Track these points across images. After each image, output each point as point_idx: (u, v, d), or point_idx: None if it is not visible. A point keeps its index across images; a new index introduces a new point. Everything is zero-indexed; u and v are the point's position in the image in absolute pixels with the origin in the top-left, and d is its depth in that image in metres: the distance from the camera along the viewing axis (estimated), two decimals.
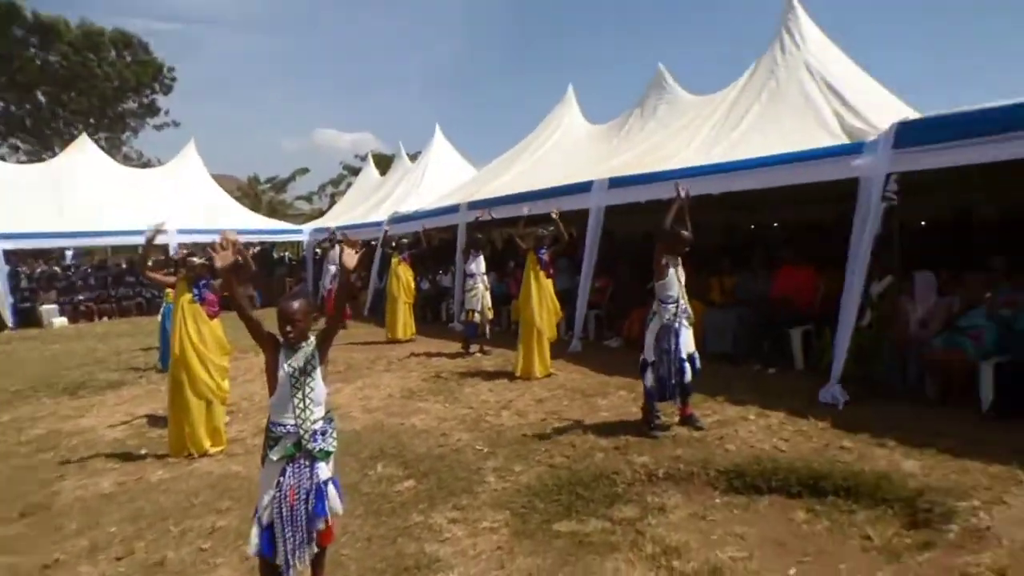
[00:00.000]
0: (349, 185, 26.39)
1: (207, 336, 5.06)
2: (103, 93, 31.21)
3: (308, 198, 36.62)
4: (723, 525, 3.46)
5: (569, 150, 11.13)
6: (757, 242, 9.00)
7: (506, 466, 4.43)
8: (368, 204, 17.13)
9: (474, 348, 8.72)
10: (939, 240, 7.45)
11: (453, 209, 11.42)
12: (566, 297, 8.92)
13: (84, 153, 17.92)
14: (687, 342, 4.83)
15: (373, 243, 13.81)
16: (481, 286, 8.59)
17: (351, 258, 2.78)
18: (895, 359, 5.36)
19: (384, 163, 22.22)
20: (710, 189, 6.52)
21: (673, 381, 4.73)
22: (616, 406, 5.74)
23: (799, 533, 3.33)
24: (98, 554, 3.53)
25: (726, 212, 11.10)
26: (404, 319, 10.10)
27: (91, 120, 30.66)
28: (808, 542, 3.23)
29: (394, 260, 10.22)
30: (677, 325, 4.79)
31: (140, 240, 17.38)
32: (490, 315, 8.81)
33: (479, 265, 8.60)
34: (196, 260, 5.21)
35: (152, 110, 34.07)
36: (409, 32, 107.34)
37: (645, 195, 7.33)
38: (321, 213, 25.66)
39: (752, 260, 7.34)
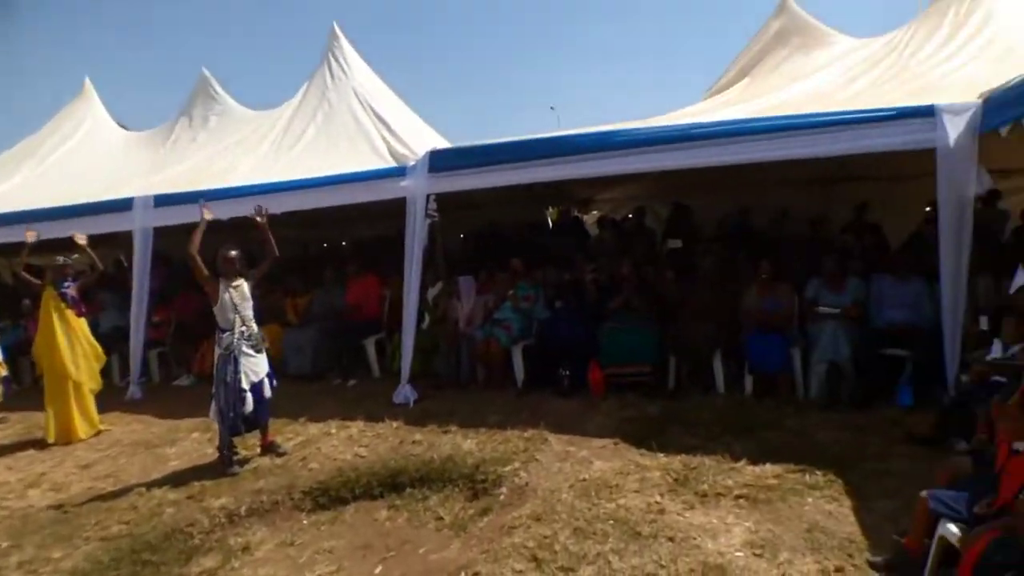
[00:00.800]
0: None
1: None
2: None
3: None
4: (311, 545, 3.45)
5: (98, 159, 9.29)
6: (327, 258, 9.26)
7: (39, 556, 3.54)
8: None
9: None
10: (476, 249, 8.92)
11: None
12: (117, 336, 7.63)
13: None
14: (251, 370, 4.59)
15: None
16: None
17: None
18: (451, 354, 6.21)
19: None
20: (270, 208, 6.39)
21: (232, 413, 4.47)
22: (188, 452, 5.15)
23: (383, 531, 3.55)
24: None
25: (297, 229, 11.15)
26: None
27: None
28: (391, 537, 3.46)
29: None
30: (236, 353, 4.53)
31: None
32: (3, 371, 6.85)
33: None
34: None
35: None
36: None
37: (194, 215, 6.68)
38: None
39: (324, 276, 7.49)
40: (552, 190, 10.28)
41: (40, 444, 5.65)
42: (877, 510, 3.27)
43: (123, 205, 7.12)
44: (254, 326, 4.70)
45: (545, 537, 3.23)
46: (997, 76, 4.12)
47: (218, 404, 4.50)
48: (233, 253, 4.67)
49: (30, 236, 5.85)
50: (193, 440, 5.43)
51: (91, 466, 5.02)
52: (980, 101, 3.99)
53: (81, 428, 5.72)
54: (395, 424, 5.21)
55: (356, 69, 8.20)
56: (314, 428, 5.32)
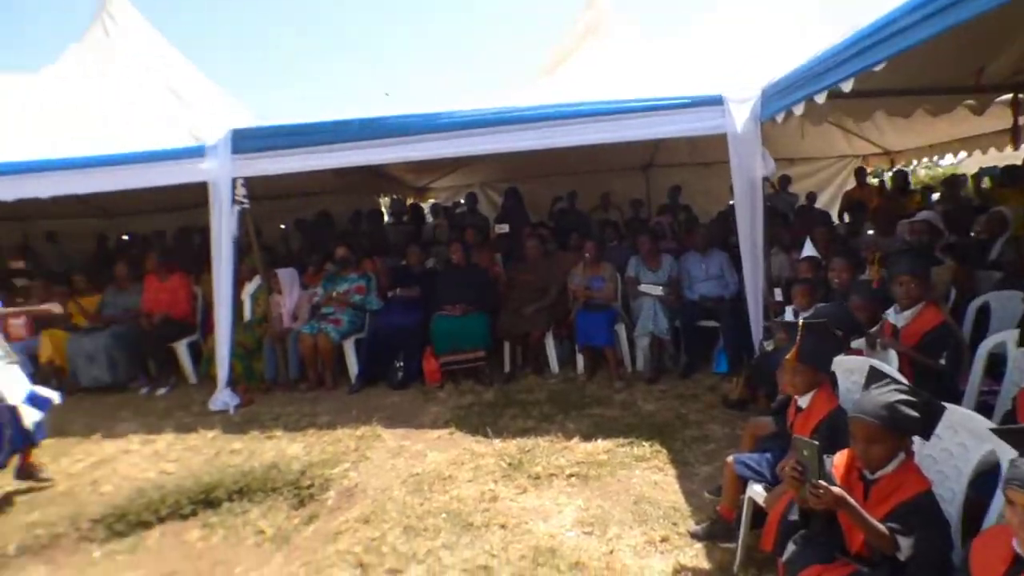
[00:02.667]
0: None
1: None
2: None
3: None
4: None
5: None
6: (125, 250, 8.20)
7: None
8: None
9: None
10: (306, 239, 8.39)
11: None
12: None
13: None
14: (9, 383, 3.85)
15: None
16: None
17: None
18: (276, 353, 5.74)
19: None
20: (35, 192, 5.40)
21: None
22: None
23: (192, 554, 3.17)
24: None
25: (93, 219, 9.79)
26: None
27: None
28: (203, 560, 3.10)
29: None
30: None
31: None
32: None
33: None
34: None
35: None
36: None
37: None
38: None
39: (117, 273, 6.50)
40: (387, 179, 10.02)
41: None
42: (699, 476, 3.51)
43: None
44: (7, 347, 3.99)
45: (373, 540, 3.08)
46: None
47: None
48: None
49: None
50: None
51: None
52: (759, 92, 4.41)
53: None
54: (211, 434, 4.71)
55: (138, 30, 7.23)
56: (110, 446, 4.64)
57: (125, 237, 9.47)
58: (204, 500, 3.63)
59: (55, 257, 9.08)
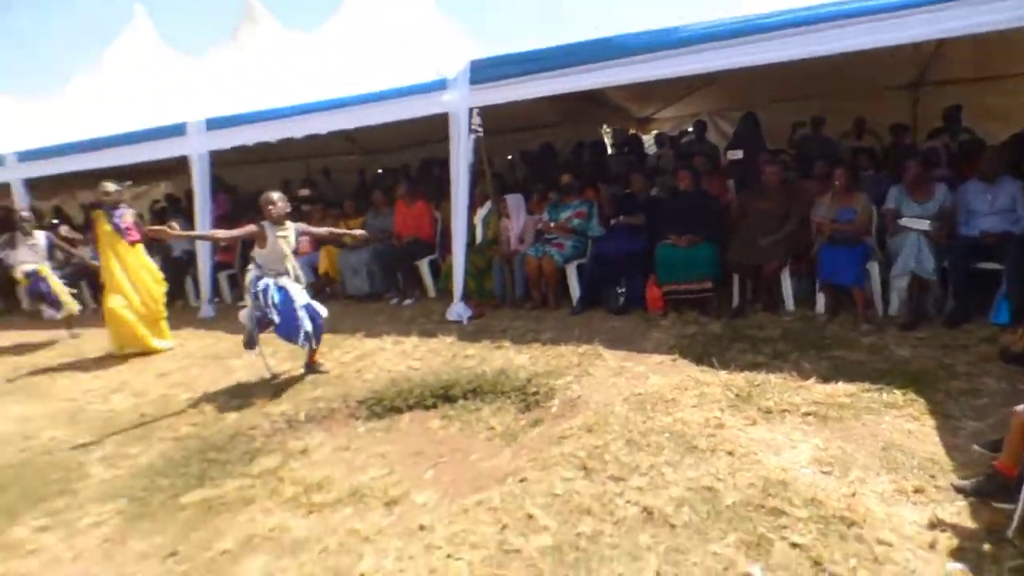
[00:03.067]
0: None
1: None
2: None
3: None
4: (366, 450, 3.51)
5: (151, 85, 9.38)
6: (378, 182, 9.24)
7: (119, 452, 3.76)
8: None
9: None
10: (531, 169, 8.69)
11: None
12: (189, 260, 7.96)
13: None
14: (296, 291, 4.53)
15: None
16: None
17: None
18: (503, 273, 6.12)
19: None
20: (314, 128, 6.34)
21: (259, 313, 4.50)
22: (253, 364, 5.32)
23: (435, 439, 3.57)
24: None
25: (356, 156, 11.24)
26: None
27: None
28: (443, 445, 3.48)
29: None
30: (275, 277, 4.49)
31: None
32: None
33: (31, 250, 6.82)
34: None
35: None
36: None
37: (251, 137, 6.73)
38: None
39: (375, 200, 7.44)
40: (609, 109, 9.86)
41: (123, 356, 5.97)
42: (964, 431, 3.03)
43: (176, 130, 7.19)
44: (300, 273, 4.66)
45: (596, 447, 3.17)
46: None
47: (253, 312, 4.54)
48: (276, 196, 4.50)
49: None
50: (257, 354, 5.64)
51: (167, 375, 5.29)
52: None
53: (142, 343, 5.90)
54: (448, 340, 5.22)
55: None
56: (370, 343, 5.40)
57: (379, 171, 10.67)
58: (443, 395, 4.05)
59: (329, 188, 10.61)
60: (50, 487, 3.40)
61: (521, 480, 2.92)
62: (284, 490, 3.07)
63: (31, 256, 6.76)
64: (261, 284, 4.41)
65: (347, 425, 3.89)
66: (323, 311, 4.67)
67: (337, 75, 6.88)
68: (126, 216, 5.81)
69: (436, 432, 3.67)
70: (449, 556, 2.39)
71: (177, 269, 7.91)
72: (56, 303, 6.71)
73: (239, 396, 4.48)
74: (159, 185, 12.65)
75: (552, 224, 5.97)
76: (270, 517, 2.83)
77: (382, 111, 5.89)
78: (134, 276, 5.86)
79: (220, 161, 7.57)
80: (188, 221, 8.05)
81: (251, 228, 4.49)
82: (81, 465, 3.63)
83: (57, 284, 6.73)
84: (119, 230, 5.75)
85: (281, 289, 4.42)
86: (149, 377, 5.30)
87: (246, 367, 5.26)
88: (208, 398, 4.52)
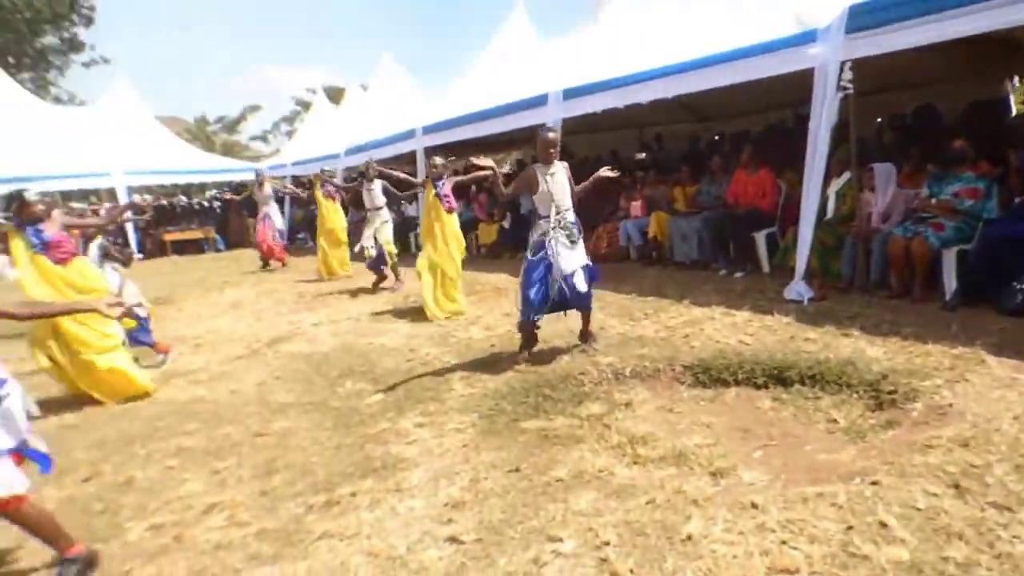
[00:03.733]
0: (303, 121, 25.37)
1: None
2: (16, 27, 27.90)
3: (264, 137, 35.41)
4: (689, 416, 3.48)
5: (521, 64, 10.59)
6: (716, 148, 8.87)
7: (474, 375, 4.40)
8: (323, 137, 16.47)
9: (389, 283, 8.24)
10: (902, 134, 7.38)
11: (409, 135, 11.02)
12: (530, 219, 8.83)
13: (5, 94, 16.27)
14: (568, 259, 4.31)
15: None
16: (378, 219, 8.10)
17: None
18: (857, 253, 5.38)
19: (337, 95, 21.30)
20: (663, 93, 6.34)
21: (535, 297, 4.32)
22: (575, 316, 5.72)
23: (765, 420, 3.36)
24: (64, 477, 3.46)
25: (690, 123, 11.02)
26: (333, 255, 9.75)
27: (10, 59, 27.65)
28: (774, 427, 3.26)
29: (319, 196, 9.74)
30: (551, 241, 4.30)
31: (83, 184, 16.32)
32: (394, 249, 8.23)
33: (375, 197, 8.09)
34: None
35: (75, 45, 30.58)
36: None
37: (599, 104, 7.08)
38: (278, 151, 24.70)
39: (712, 167, 7.20)
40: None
41: (477, 296, 6.94)
42: None
43: (539, 101, 8.00)
44: (571, 215, 4.39)
45: (973, 466, 2.60)
46: None
47: (523, 292, 4.40)
48: (552, 136, 4.36)
49: None
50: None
51: (511, 315, 5.92)
52: None
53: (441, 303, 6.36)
54: (785, 319, 4.82)
55: None
56: (697, 311, 5.30)
57: (716, 137, 10.29)
58: (776, 376, 3.77)
59: (661, 155, 10.66)
60: (426, 392, 4.16)
61: (872, 483, 2.56)
62: (610, 436, 3.22)
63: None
64: (540, 256, 4.32)
65: (671, 388, 3.91)
66: (580, 284, 4.37)
67: (687, 37, 6.74)
68: (447, 186, 6.43)
69: (766, 412, 3.46)
70: (784, 543, 2.22)
71: None
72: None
73: (570, 344, 4.82)
74: (511, 154, 14.31)
75: (934, 201, 5.01)
76: (597, 458, 3.00)
77: (736, 71, 5.59)
78: (448, 238, 6.33)
79: (563, 130, 8.19)
80: None
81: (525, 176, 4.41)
82: (447, 380, 4.35)
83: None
84: (439, 197, 6.38)
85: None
86: (498, 316, 6.07)
87: (576, 317, 5.65)
88: (545, 341, 4.96)
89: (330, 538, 2.59)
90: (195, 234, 16.82)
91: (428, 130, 10.41)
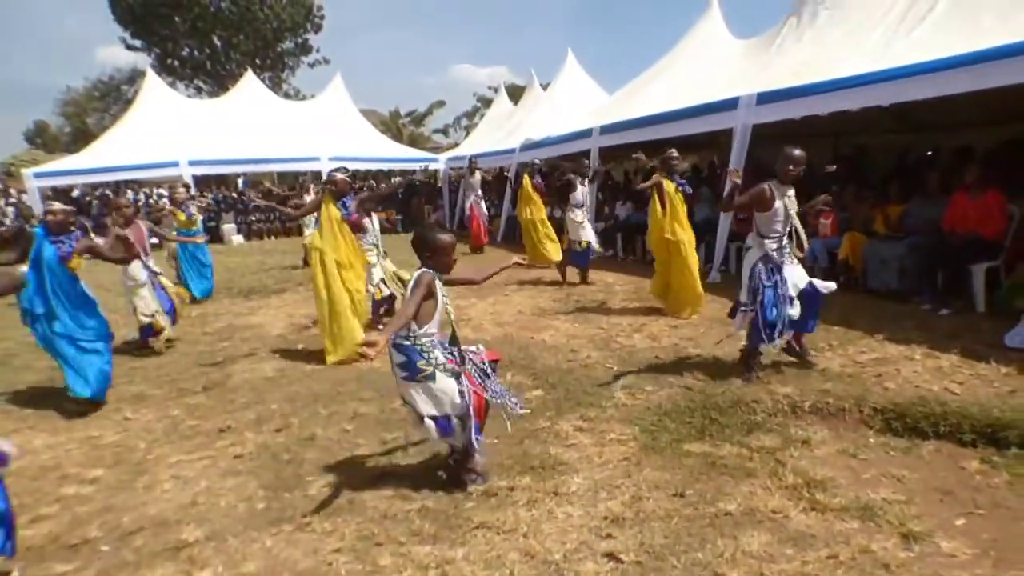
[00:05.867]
0: (483, 116, 26.51)
1: (347, 248, 5.42)
2: (264, 35, 33.39)
3: (444, 131, 37.63)
4: (877, 465, 3.14)
5: (712, 68, 10.15)
6: (934, 165, 7.81)
7: (636, 384, 4.32)
8: (500, 133, 17.08)
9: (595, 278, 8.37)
10: None
11: (585, 134, 11.06)
12: (706, 228, 8.47)
13: (251, 90, 19.62)
14: (793, 279, 4.18)
15: (505, 171, 14.04)
16: (580, 216, 8.10)
17: None
18: None
19: (517, 93, 21.91)
20: (879, 100, 5.79)
21: (769, 320, 4.10)
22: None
23: (971, 484, 2.94)
24: (261, 425, 4.02)
25: (899, 134, 9.82)
26: (541, 243, 9.99)
27: (256, 60, 32.92)
28: (981, 494, 2.84)
29: (526, 185, 10.01)
30: (780, 259, 4.18)
31: (298, 167, 18.75)
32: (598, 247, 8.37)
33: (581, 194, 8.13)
34: (338, 176, 5.58)
35: (305, 49, 35.88)
36: None
37: (799, 110, 6.60)
38: (456, 145, 26.07)
39: (926, 186, 6.35)
40: None
41: (645, 301, 6.85)
42: None
43: (728, 105, 7.64)
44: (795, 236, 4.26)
45: None
46: None
47: (748, 311, 4.26)
48: (799, 154, 4.10)
49: None
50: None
51: (679, 327, 5.83)
52: None
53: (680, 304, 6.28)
54: (1004, 369, 4.15)
55: None
56: (893, 349, 4.73)
57: (929, 152, 9.09)
58: (988, 435, 3.28)
59: (862, 168, 9.63)
60: (587, 396, 4.16)
61: None
62: (784, 475, 2.99)
63: None
64: (774, 279, 4.16)
65: (856, 430, 3.55)
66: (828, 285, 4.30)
67: (913, 40, 6.02)
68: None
69: (972, 475, 3.02)
70: None
71: (696, 233, 8.52)
72: None
73: (743, 366, 4.55)
74: (685, 159, 13.82)
75: None
76: (771, 498, 2.80)
77: (973, 76, 4.89)
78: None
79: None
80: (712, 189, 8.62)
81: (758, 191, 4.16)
82: (609, 387, 4.31)
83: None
84: (679, 188, 6.24)
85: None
86: (663, 326, 5.90)
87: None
88: (714, 359, 4.75)
89: (487, 529, 2.68)
90: (380, 216, 18.32)
91: (606, 130, 10.37)
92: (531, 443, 3.50)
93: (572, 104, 14.86)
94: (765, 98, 7.08)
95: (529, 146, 13.38)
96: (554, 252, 9.36)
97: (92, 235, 5.76)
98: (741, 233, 8.33)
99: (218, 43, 33.33)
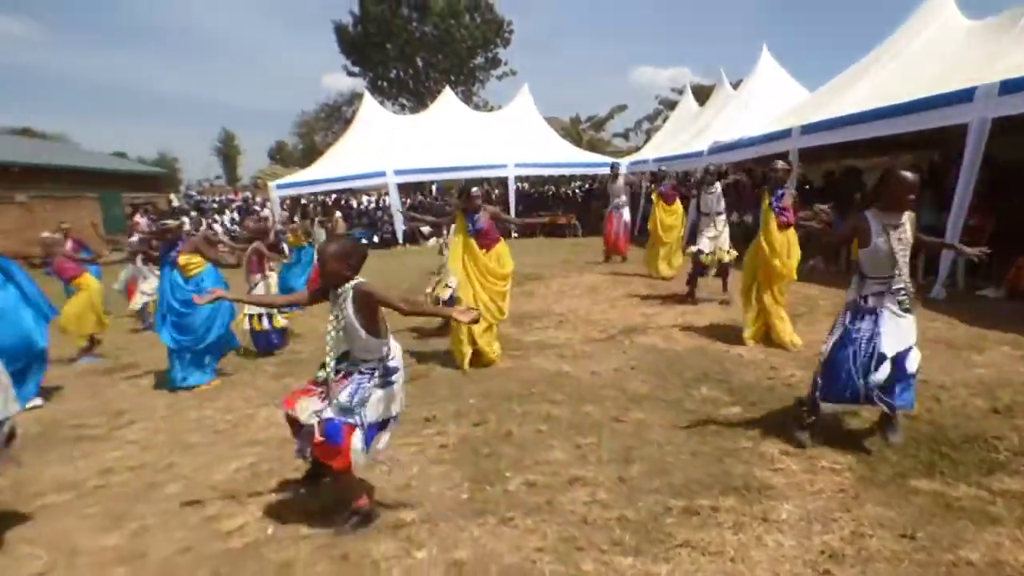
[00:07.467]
0: (666, 119, 25.87)
1: (482, 263, 5.40)
2: (460, 53, 36.32)
3: (624, 135, 37.29)
4: None
5: (939, 56, 8.95)
6: None
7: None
8: (685, 136, 16.57)
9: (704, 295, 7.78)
10: None
11: (784, 134, 10.35)
12: (929, 235, 7.53)
13: (448, 104, 21.20)
14: (893, 335, 3.33)
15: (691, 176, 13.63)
16: (714, 225, 7.51)
17: None
18: None
19: (703, 94, 21.06)
20: None
21: (859, 381, 3.34)
22: (996, 363, 4.74)
23: None
24: (461, 418, 4.29)
25: None
26: (660, 255, 9.60)
27: (451, 77, 35.62)
28: None
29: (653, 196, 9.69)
30: (878, 308, 3.37)
31: (487, 174, 19.88)
32: (727, 257, 7.54)
33: (714, 200, 7.51)
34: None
35: (495, 63, 38.26)
36: None
37: None
38: (637, 149, 25.73)
39: None
40: None
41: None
42: None
43: (962, 97, 6.76)
44: (907, 276, 3.37)
45: None
46: None
47: (824, 366, 3.49)
48: (912, 178, 3.26)
49: None
50: (1002, 352, 5.02)
51: None
52: None
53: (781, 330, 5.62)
54: None
55: None
56: None
57: None
58: None
59: None
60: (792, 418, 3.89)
61: None
62: None
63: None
64: (863, 326, 3.40)
65: None
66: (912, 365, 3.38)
67: None
68: (786, 198, 5.50)
69: None
70: None
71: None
72: None
73: (980, 396, 4.04)
74: (899, 157, 12.33)
75: None
76: (1021, 551, 2.47)
77: None
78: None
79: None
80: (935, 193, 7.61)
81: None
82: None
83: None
84: (772, 208, 5.51)
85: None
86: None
87: (987, 364, 4.72)
88: (944, 387, 4.25)
89: (692, 548, 2.63)
90: (560, 219, 18.74)
91: (808, 130, 9.61)
92: (732, 462, 3.39)
93: (765, 103, 13.97)
94: (1009, 87, 6.13)
95: (719, 148, 12.85)
96: (664, 268, 9.26)
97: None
98: (972, 244, 7.32)
99: (420, 64, 36.79)
